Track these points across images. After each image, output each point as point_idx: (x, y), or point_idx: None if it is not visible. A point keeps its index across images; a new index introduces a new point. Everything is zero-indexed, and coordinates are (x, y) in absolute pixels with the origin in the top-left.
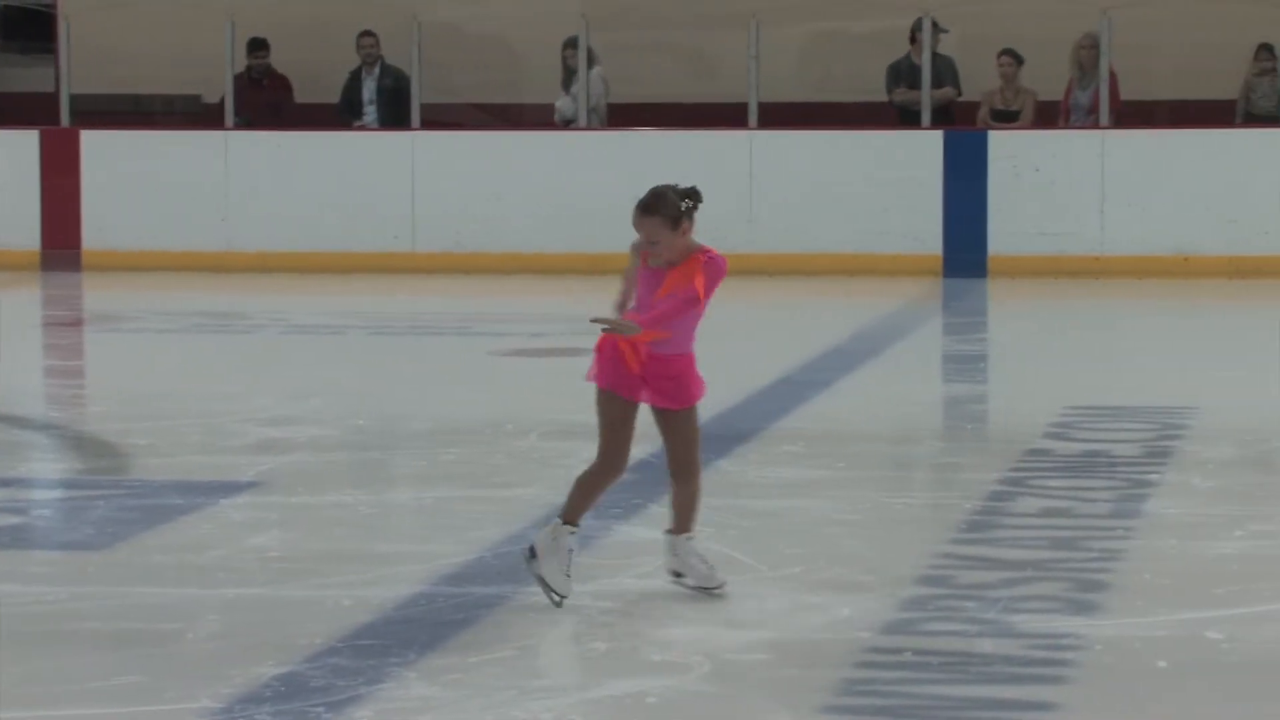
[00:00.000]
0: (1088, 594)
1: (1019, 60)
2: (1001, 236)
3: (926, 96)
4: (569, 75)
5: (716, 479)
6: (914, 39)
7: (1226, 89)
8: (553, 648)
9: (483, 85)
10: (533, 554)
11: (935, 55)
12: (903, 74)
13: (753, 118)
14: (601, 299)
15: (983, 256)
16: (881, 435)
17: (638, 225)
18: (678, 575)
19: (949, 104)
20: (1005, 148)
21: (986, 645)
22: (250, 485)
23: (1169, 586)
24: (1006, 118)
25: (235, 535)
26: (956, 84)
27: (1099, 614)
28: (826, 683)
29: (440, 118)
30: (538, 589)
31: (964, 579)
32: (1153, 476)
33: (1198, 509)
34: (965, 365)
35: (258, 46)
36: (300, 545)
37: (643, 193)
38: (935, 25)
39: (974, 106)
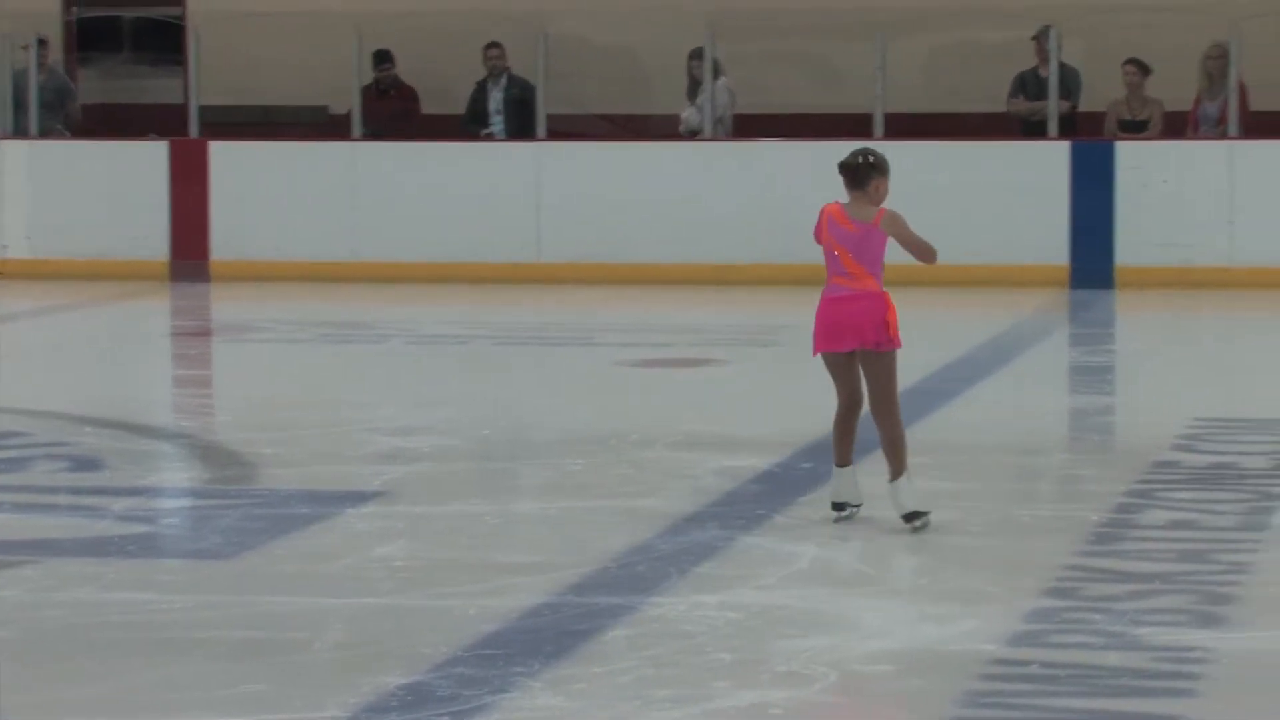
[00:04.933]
0: (1215, 607)
1: (1145, 70)
2: (1129, 247)
3: (1054, 107)
4: (694, 86)
5: None
6: (1039, 49)
7: None
8: (677, 658)
9: (608, 96)
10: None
11: (1061, 66)
12: (1026, 84)
13: (878, 128)
14: (727, 309)
15: (1110, 267)
16: (1008, 446)
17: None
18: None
19: (1066, 115)
20: (1132, 158)
21: (1113, 658)
22: (376, 495)
23: None
24: (1134, 128)
25: (361, 545)
26: (1077, 96)
27: (1227, 627)
28: (951, 694)
29: (566, 129)
30: (661, 599)
31: (1091, 591)
32: None
33: None
34: (1092, 376)
35: (383, 59)
36: (425, 555)
37: (770, 204)
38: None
39: (1098, 117)
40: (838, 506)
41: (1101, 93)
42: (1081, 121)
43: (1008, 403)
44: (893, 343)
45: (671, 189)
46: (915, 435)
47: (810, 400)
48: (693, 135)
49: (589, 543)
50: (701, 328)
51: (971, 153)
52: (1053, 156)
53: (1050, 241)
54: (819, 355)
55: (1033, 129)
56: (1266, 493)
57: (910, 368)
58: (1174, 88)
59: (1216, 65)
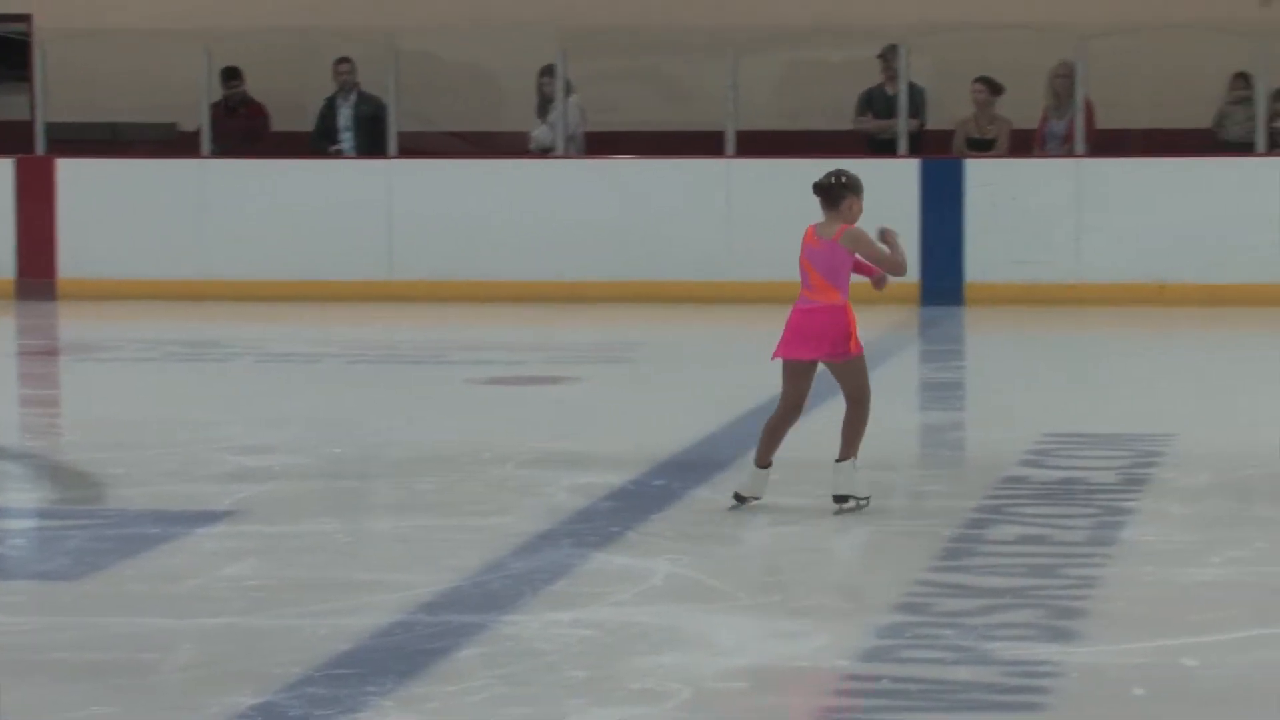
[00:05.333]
0: (1064, 621)
1: (994, 89)
2: (978, 264)
3: (903, 125)
4: (545, 103)
5: (695, 507)
6: (886, 68)
7: (1201, 117)
8: (531, 676)
9: (459, 113)
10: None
11: (907, 84)
12: (873, 102)
13: (730, 146)
14: (579, 326)
15: (959, 284)
16: (859, 462)
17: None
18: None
19: (913, 133)
20: (981, 176)
21: (964, 673)
22: (226, 514)
23: (1145, 613)
24: (982, 146)
25: (211, 565)
26: (923, 114)
27: (1076, 641)
28: (805, 710)
29: (417, 146)
30: (515, 617)
31: (941, 606)
32: (1129, 504)
33: (1174, 536)
34: (942, 392)
35: (232, 76)
36: (276, 574)
37: (622, 221)
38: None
39: (946, 135)
40: (739, 498)
41: (950, 111)
42: (929, 139)
43: None
44: (853, 350)
45: (524, 206)
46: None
47: (662, 417)
48: (545, 152)
49: (441, 561)
50: (554, 345)
51: (821, 170)
52: (902, 174)
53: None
54: (778, 359)
55: (880, 147)
56: (1114, 507)
57: (762, 385)
58: (1021, 106)
59: (1063, 84)
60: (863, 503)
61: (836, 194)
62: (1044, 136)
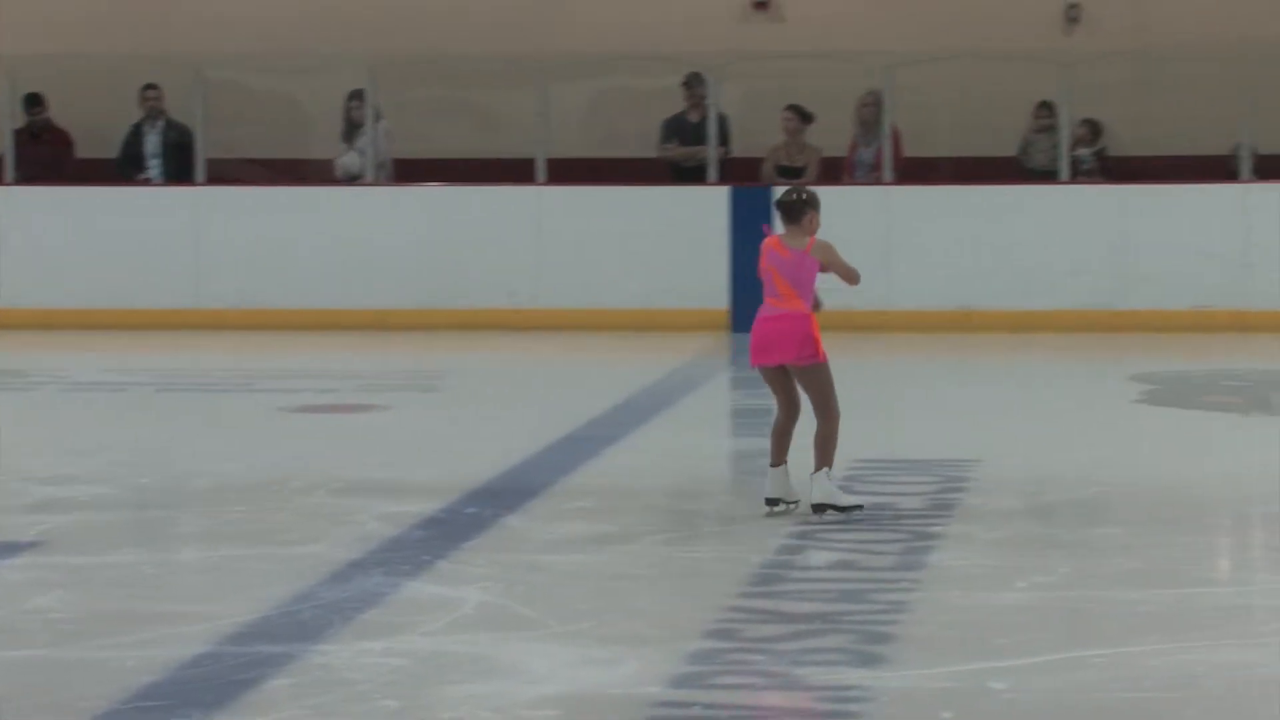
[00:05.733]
0: (874, 646)
1: (804, 117)
2: None
3: (713, 152)
4: (352, 128)
5: (505, 535)
6: (689, 95)
7: (1006, 145)
8: (342, 706)
9: (266, 140)
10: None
11: (709, 112)
12: (677, 130)
13: (541, 173)
14: (389, 354)
15: None
16: (670, 490)
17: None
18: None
19: (717, 161)
20: None
21: (775, 698)
22: (30, 545)
23: (953, 638)
24: (791, 174)
25: (15, 596)
26: (728, 141)
27: (885, 666)
28: None
29: (224, 173)
30: (325, 647)
31: (752, 632)
32: (937, 529)
33: (981, 560)
34: (753, 419)
35: (35, 102)
36: (83, 606)
37: (432, 248)
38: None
39: (755, 162)
40: (771, 502)
41: (759, 138)
42: (738, 167)
43: (669, 446)
44: (816, 357)
45: (333, 233)
46: (577, 480)
47: (473, 445)
48: (353, 179)
49: (250, 591)
50: (364, 373)
51: (633, 197)
52: (712, 201)
53: (711, 286)
54: (755, 368)
55: (686, 174)
56: (923, 532)
57: (572, 413)
58: (830, 134)
59: (870, 112)
60: (855, 511)
61: (798, 209)
62: (853, 164)
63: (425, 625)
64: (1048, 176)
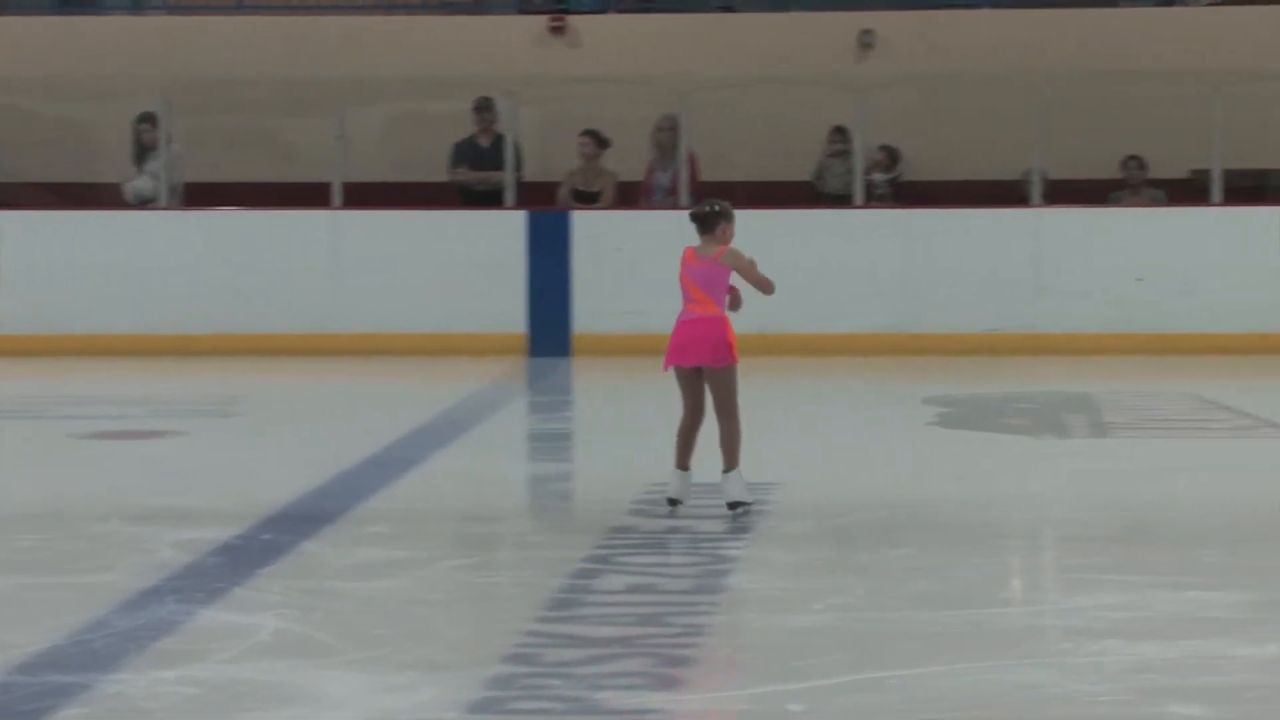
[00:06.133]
0: (672, 669)
1: (600, 142)
2: (585, 315)
3: (511, 176)
4: (142, 152)
5: (302, 561)
6: (479, 120)
7: (801, 170)
8: None
9: (54, 165)
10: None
11: (499, 136)
12: (467, 154)
13: (337, 197)
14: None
15: (567, 335)
16: (468, 514)
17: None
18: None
19: (514, 185)
20: (588, 228)
21: None
22: None
23: (751, 660)
24: (587, 198)
25: None
26: (520, 166)
27: (683, 689)
28: None
29: (12, 199)
30: (119, 676)
31: (550, 657)
32: (734, 552)
33: (778, 583)
34: (551, 443)
35: None
36: None
37: (227, 274)
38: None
39: (551, 186)
40: (672, 503)
41: (555, 163)
42: (535, 191)
43: (467, 471)
44: (730, 358)
45: (124, 258)
46: (375, 505)
47: (269, 471)
48: (145, 203)
49: (42, 620)
50: (158, 399)
51: (430, 222)
52: (510, 226)
53: (508, 310)
54: (669, 369)
55: (478, 198)
56: (720, 555)
57: (369, 438)
58: (626, 158)
59: (667, 136)
60: (749, 506)
61: (712, 221)
62: (649, 189)
63: (221, 653)
64: (843, 201)
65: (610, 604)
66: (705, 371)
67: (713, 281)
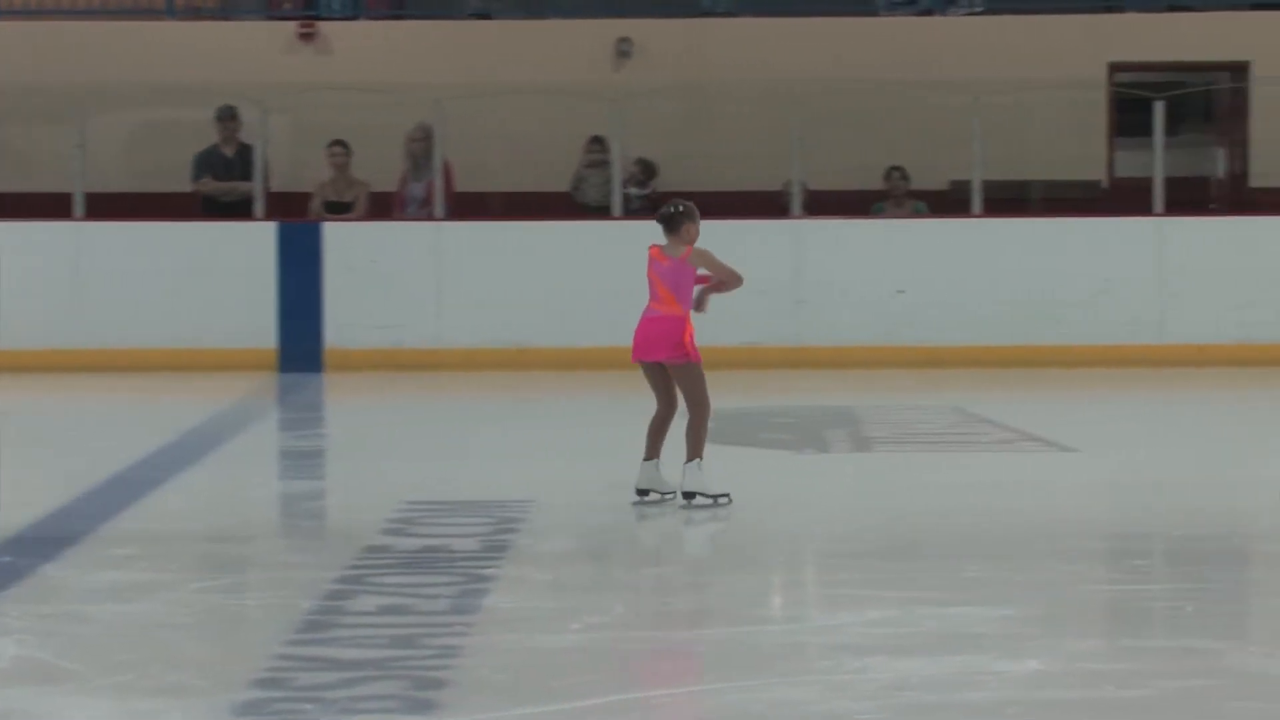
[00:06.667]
0: (426, 692)
1: (350, 151)
2: (337, 329)
3: (259, 188)
4: None
5: (43, 585)
6: (222, 129)
7: (559, 180)
8: None
9: None
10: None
11: (245, 146)
12: (211, 164)
13: (79, 209)
14: None
15: (319, 350)
16: (216, 534)
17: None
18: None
19: (262, 196)
20: (339, 240)
21: None
22: None
23: (508, 681)
24: (339, 209)
25: None
26: (266, 176)
27: (439, 711)
28: None
29: None
30: None
31: (302, 680)
32: (491, 571)
33: (535, 602)
34: (302, 461)
35: None
36: None
37: None
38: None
39: (303, 197)
40: (641, 492)
41: (308, 173)
42: (284, 202)
43: (215, 489)
44: (689, 357)
45: None
46: (120, 525)
47: (9, 492)
48: None
49: None
50: None
51: (176, 234)
52: (259, 238)
53: (258, 324)
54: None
55: (223, 209)
56: (476, 575)
57: (115, 456)
58: (380, 169)
59: (420, 146)
60: (722, 499)
61: (677, 221)
62: (403, 200)
63: None
64: (600, 212)
65: (363, 625)
66: (669, 368)
67: (680, 280)
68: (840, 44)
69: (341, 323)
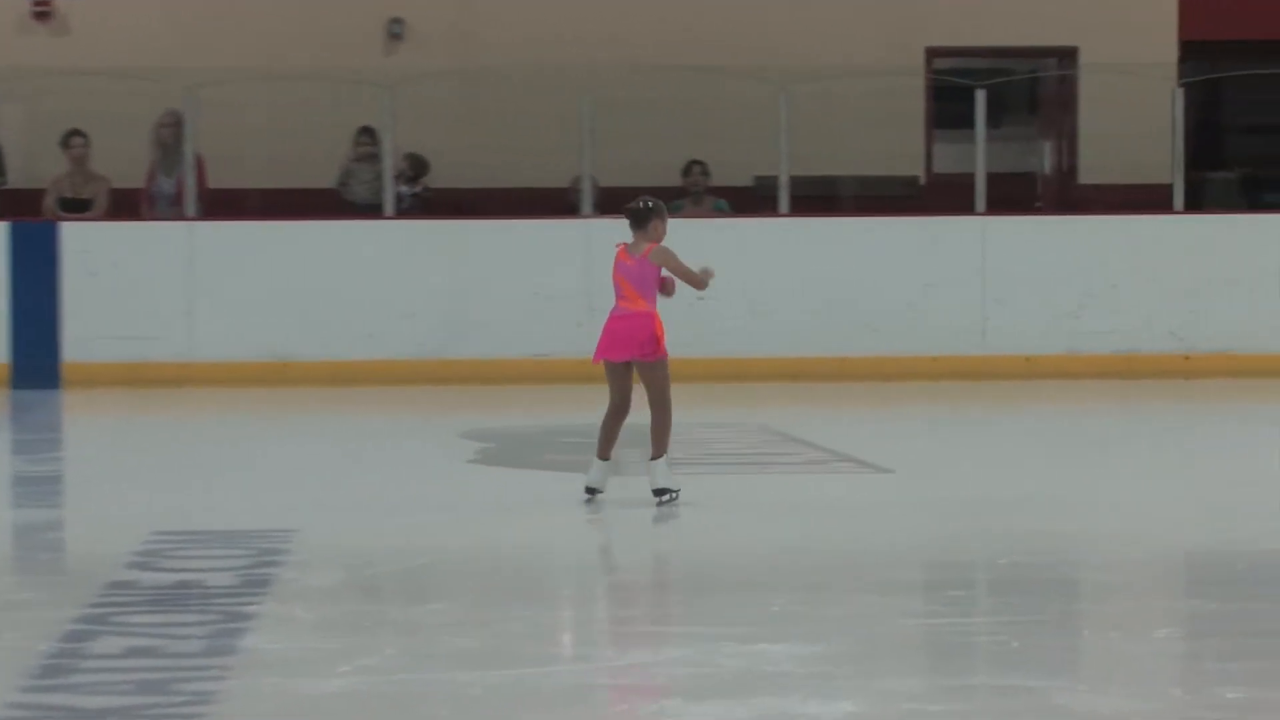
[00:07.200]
0: None
1: (89, 142)
2: (76, 342)
3: None
4: None
5: None
6: None
7: (324, 176)
8: None
9: None
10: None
11: None
12: None
13: None
14: None
15: (56, 364)
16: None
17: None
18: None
19: None
20: (78, 241)
21: None
22: None
23: None
24: (77, 207)
25: None
26: (3, 171)
27: None
28: None
29: None
30: None
31: None
32: (251, 608)
33: (300, 643)
34: (37, 488)
35: None
36: None
37: None
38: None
39: (37, 195)
40: (591, 491)
41: (44, 166)
42: (15, 199)
43: None
44: (658, 354)
45: None
46: None
47: None
48: None
49: None
50: None
51: None
52: None
53: None
54: (599, 362)
55: None
56: (235, 613)
57: None
58: (123, 162)
59: (170, 134)
60: (675, 495)
61: (644, 217)
62: (151, 196)
63: None
64: (371, 211)
65: (107, 670)
66: (637, 366)
67: (644, 279)
68: (633, 26)
69: (81, 334)
